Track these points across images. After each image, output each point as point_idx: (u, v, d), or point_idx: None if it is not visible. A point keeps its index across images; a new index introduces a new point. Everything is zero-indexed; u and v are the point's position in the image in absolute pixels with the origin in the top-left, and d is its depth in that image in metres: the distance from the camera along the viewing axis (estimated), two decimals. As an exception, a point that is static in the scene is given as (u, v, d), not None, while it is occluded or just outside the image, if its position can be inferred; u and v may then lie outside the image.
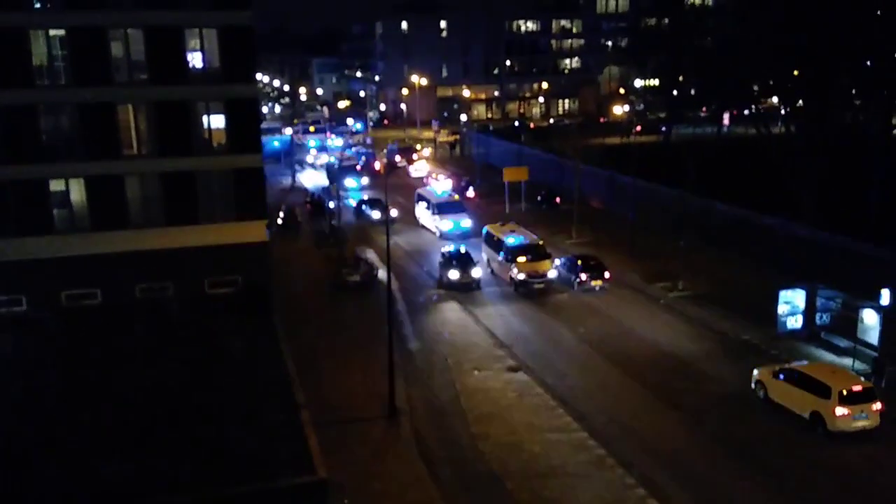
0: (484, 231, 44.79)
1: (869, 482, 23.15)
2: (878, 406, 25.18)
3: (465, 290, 40.33)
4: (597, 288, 39.83)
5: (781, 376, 27.03)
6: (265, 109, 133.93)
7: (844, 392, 24.92)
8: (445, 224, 49.86)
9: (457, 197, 53.80)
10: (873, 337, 29.17)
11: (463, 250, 42.74)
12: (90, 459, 22.91)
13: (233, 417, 25.21)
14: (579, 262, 40.69)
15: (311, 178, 74.49)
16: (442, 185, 56.49)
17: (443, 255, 42.92)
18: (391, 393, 27.05)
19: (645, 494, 22.44)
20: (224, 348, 30.38)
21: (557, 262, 41.64)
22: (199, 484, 21.54)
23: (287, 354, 30.27)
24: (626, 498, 22.42)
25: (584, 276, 39.94)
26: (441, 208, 51.56)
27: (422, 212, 53.94)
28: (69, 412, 25.94)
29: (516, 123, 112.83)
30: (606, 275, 40.04)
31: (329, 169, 65.86)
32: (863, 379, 26.44)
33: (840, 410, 24.77)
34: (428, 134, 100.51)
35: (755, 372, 28.45)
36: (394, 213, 54.71)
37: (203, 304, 35.02)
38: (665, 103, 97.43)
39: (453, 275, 40.84)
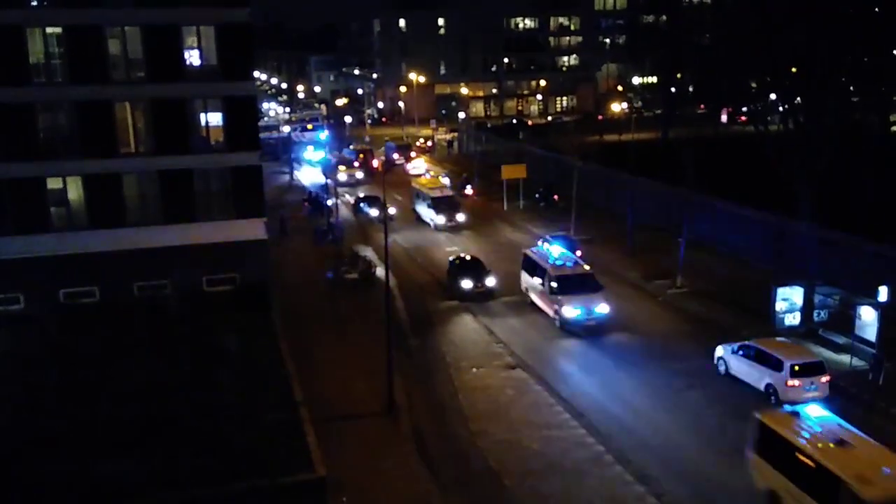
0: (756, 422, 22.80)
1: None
2: (826, 378, 27.05)
3: (479, 301, 38.31)
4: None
5: (741, 352, 28.84)
6: (276, 110, 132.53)
7: (795, 366, 26.77)
8: (570, 310, 33.92)
9: (586, 268, 36.70)
10: (871, 334, 29.20)
11: (469, 256, 40.98)
12: (88, 457, 22.89)
13: (231, 415, 25.18)
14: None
15: (309, 176, 74.43)
16: (558, 247, 39.09)
17: (452, 262, 40.77)
18: (389, 390, 27.07)
19: (643, 491, 22.47)
20: (222, 346, 30.35)
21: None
22: (198, 481, 21.55)
23: (285, 352, 30.27)
24: (623, 495, 22.45)
25: None
26: (563, 284, 34.64)
27: (531, 283, 37.70)
28: (67, 410, 25.91)
29: (514, 121, 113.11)
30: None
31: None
32: (812, 351, 28.55)
33: (791, 382, 26.71)
34: (426, 131, 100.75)
35: (718, 349, 30.11)
36: (392, 210, 54.70)
37: (201, 301, 34.98)
38: (663, 100, 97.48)
39: (466, 284, 38.61)
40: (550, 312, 35.17)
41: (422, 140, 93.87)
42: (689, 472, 23.43)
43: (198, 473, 21.95)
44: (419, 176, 71.03)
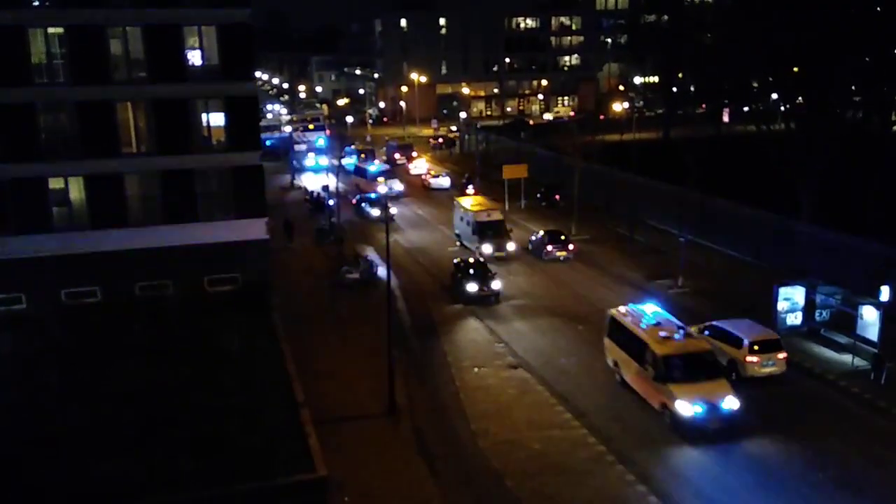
0: None
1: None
2: (783, 355, 28.67)
3: (484, 304, 37.61)
4: (561, 258, 44.15)
5: (706, 332, 30.26)
6: (279, 111, 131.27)
7: (754, 343, 28.51)
8: (685, 406, 24.78)
9: (705, 346, 27.31)
10: (873, 333, 29.20)
11: (473, 259, 40.23)
12: (90, 458, 22.91)
13: (233, 415, 25.20)
14: (546, 236, 45.54)
15: (312, 182, 74.37)
16: (652, 306, 29.66)
17: (456, 265, 39.82)
18: (391, 390, 27.05)
19: (645, 491, 22.45)
20: (224, 346, 30.38)
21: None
22: (200, 482, 21.56)
23: (287, 352, 30.26)
24: (625, 494, 22.42)
25: (550, 248, 44.58)
26: (674, 367, 25.78)
27: (620, 357, 28.61)
28: (68, 411, 25.92)
29: (511, 121, 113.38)
30: (570, 247, 44.67)
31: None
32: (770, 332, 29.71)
33: (750, 358, 28.34)
34: (428, 131, 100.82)
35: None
36: (393, 210, 54.63)
37: (203, 302, 35.02)
38: (664, 100, 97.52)
39: (471, 287, 37.70)
40: (655, 405, 26.24)
41: (433, 139, 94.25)
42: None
43: (199, 474, 21.95)
44: (422, 172, 70.68)
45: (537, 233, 47.01)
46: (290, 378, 27.99)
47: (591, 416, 26.79)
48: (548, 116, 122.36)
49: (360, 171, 64.86)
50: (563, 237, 45.62)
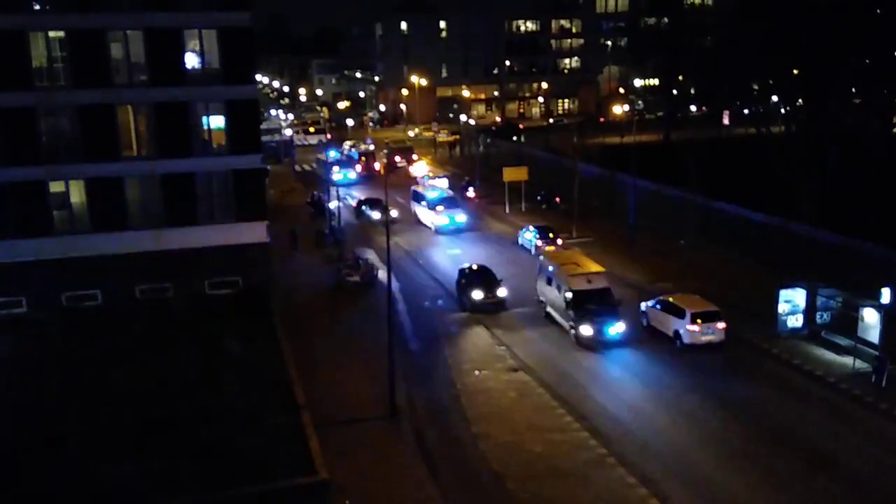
0: None
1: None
2: (722, 325, 31.63)
3: (491, 312, 36.82)
4: None
5: (657, 306, 33.45)
6: (280, 115, 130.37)
7: (695, 314, 31.43)
8: None
9: None
10: (874, 336, 29.14)
11: (478, 266, 39.49)
12: (90, 461, 22.92)
13: (233, 419, 25.21)
14: (535, 232, 46.99)
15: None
16: None
17: (461, 272, 39.00)
18: (391, 393, 27.04)
19: (646, 494, 22.42)
20: (224, 350, 30.39)
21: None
22: (200, 485, 21.55)
23: (287, 355, 30.26)
24: (627, 497, 22.39)
25: (539, 243, 45.71)
26: None
27: None
28: (69, 414, 25.95)
29: (496, 126, 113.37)
30: (559, 241, 45.74)
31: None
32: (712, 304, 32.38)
33: (691, 327, 31.27)
34: (428, 133, 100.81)
35: (641, 305, 34.78)
36: (394, 213, 54.61)
37: (203, 305, 35.02)
38: (664, 102, 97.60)
39: (477, 295, 36.92)
40: None
41: (443, 137, 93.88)
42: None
43: (200, 477, 21.96)
44: (422, 174, 69.77)
45: (527, 227, 48.08)
46: (291, 380, 27.99)
47: (592, 419, 26.80)
48: (471, 121, 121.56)
49: (417, 197, 56.44)
50: (550, 234, 46.19)
